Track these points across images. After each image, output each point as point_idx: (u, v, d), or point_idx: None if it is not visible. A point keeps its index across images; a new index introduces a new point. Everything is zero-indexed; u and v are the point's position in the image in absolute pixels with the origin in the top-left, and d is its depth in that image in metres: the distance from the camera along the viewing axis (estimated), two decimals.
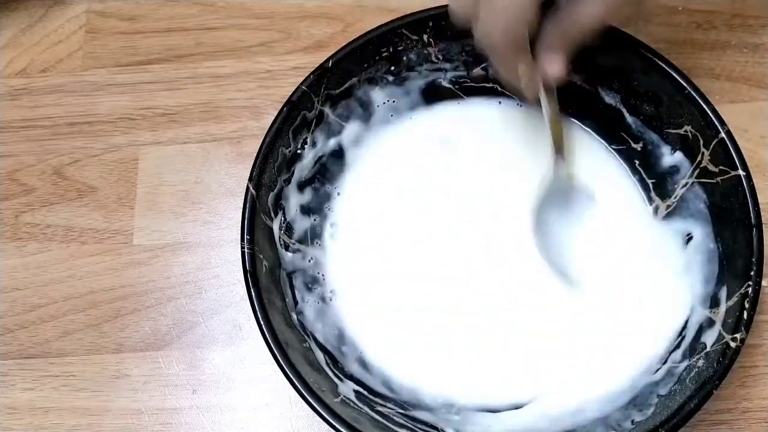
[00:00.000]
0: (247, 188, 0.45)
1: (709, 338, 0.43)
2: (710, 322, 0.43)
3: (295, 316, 0.46)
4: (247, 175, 0.45)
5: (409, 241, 0.49)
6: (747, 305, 0.41)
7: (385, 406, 0.45)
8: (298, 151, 0.48)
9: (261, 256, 0.45)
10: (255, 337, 0.43)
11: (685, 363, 0.43)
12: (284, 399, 0.49)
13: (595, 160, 0.50)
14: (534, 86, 0.45)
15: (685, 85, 0.45)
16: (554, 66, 0.43)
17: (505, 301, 0.48)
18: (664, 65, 0.45)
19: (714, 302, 0.44)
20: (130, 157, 0.55)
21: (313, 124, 0.49)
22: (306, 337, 0.45)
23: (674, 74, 0.45)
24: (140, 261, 0.53)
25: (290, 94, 0.47)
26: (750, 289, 0.41)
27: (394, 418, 0.44)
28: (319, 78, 0.47)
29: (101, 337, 0.51)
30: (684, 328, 0.45)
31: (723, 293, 0.44)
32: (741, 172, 0.43)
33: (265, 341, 0.42)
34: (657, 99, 0.47)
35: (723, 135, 0.44)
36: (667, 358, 0.45)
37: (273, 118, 0.46)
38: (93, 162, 0.56)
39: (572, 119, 0.51)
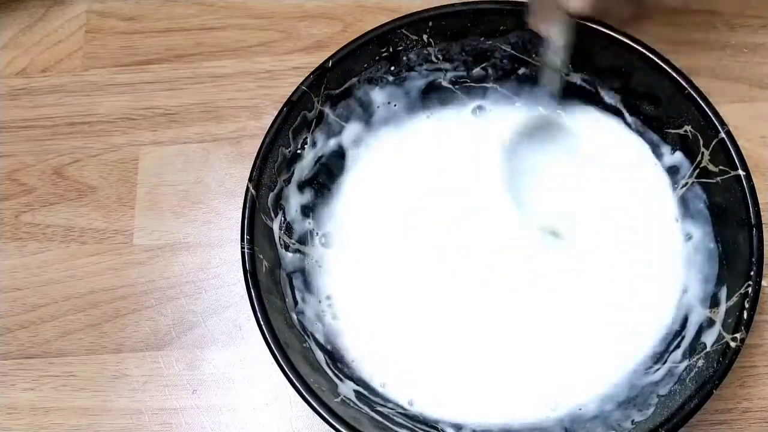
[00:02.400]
0: (247, 188, 0.45)
1: (709, 338, 0.43)
2: (710, 322, 0.43)
3: (295, 316, 0.46)
4: (247, 175, 0.45)
5: (408, 242, 0.49)
6: (747, 305, 0.41)
7: (385, 406, 0.45)
8: (298, 151, 0.48)
9: (261, 256, 0.45)
10: (255, 337, 0.43)
11: (685, 363, 0.43)
12: (284, 399, 0.49)
13: (595, 161, 0.50)
14: (549, 11, 0.44)
15: (685, 85, 0.45)
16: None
17: (501, 305, 0.48)
18: (664, 65, 0.45)
19: (714, 302, 0.44)
20: (130, 157, 0.55)
21: (313, 124, 0.49)
22: (306, 337, 0.45)
23: (674, 74, 0.45)
24: (140, 261, 0.53)
25: (290, 94, 0.47)
26: (750, 289, 0.41)
27: (394, 418, 0.44)
28: (319, 78, 0.47)
29: (101, 337, 0.51)
30: (684, 327, 0.45)
31: (723, 293, 0.44)
32: (741, 172, 0.43)
33: (265, 341, 0.42)
34: (657, 99, 0.47)
35: (723, 135, 0.44)
36: (667, 358, 0.45)
37: (273, 118, 0.46)
38: (93, 162, 0.56)
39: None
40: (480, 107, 0.51)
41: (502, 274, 0.48)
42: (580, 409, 0.45)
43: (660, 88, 0.46)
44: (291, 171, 0.48)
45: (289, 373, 0.41)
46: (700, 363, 0.42)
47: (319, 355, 0.45)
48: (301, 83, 0.47)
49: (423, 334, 0.47)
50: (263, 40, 0.58)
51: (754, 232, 0.42)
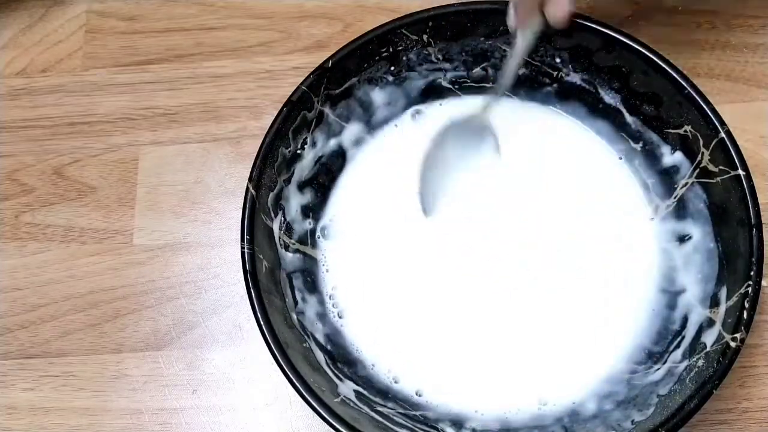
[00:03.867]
0: (247, 188, 0.45)
1: (709, 338, 0.43)
2: (710, 322, 0.43)
3: (295, 316, 0.46)
4: (247, 175, 0.45)
5: (407, 242, 0.49)
6: (747, 305, 0.41)
7: (385, 406, 0.45)
8: (298, 152, 0.48)
9: (261, 256, 0.45)
10: (255, 337, 0.43)
11: (685, 363, 0.43)
12: (284, 399, 0.49)
13: (595, 160, 0.50)
14: (527, 15, 0.45)
15: (685, 85, 0.45)
16: (558, 8, 0.43)
17: (500, 304, 0.48)
18: (664, 65, 0.45)
19: (714, 302, 0.44)
20: (130, 157, 0.55)
21: (313, 124, 0.49)
22: (306, 337, 0.45)
23: (674, 74, 0.45)
24: (140, 261, 0.53)
25: (290, 94, 0.47)
26: (750, 289, 0.41)
27: (394, 418, 0.44)
28: (319, 78, 0.47)
29: (101, 337, 0.51)
30: (684, 327, 0.45)
31: (723, 293, 0.44)
32: (741, 172, 0.43)
33: (265, 341, 0.42)
34: (657, 99, 0.47)
35: (723, 135, 0.44)
36: (667, 358, 0.45)
37: (273, 118, 0.47)
38: (93, 162, 0.56)
39: (573, 119, 0.51)
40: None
41: (501, 275, 0.48)
42: (573, 403, 0.45)
43: (660, 88, 0.46)
44: (291, 171, 0.48)
45: (289, 373, 0.41)
46: (700, 363, 0.42)
47: (319, 355, 0.45)
48: (301, 83, 0.47)
49: (421, 332, 0.47)
50: (263, 40, 0.58)
51: (754, 232, 0.42)
